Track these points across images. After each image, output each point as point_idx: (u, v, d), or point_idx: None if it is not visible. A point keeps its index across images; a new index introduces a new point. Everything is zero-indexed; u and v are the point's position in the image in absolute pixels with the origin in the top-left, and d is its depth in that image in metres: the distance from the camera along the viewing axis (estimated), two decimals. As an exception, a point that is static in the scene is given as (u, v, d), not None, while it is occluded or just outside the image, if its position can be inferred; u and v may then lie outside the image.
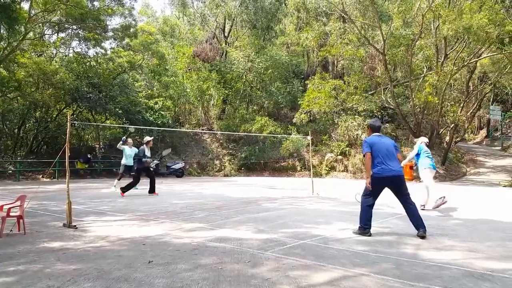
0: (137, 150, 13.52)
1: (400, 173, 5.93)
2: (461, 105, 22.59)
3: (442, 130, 23.94)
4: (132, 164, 13.80)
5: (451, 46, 20.86)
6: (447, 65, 20.42)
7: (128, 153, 13.83)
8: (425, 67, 23.20)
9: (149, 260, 4.52)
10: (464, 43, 19.74)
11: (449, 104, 22.62)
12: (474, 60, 20.27)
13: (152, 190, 12.24)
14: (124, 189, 11.79)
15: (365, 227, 5.95)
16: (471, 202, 10.98)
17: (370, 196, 6.00)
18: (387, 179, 5.85)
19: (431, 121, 22.29)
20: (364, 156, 6.06)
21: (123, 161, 13.89)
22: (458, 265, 4.39)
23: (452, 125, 22.28)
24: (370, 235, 5.88)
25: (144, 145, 12.31)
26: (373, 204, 6.02)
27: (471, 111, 24.57)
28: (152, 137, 13.29)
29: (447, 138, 23.09)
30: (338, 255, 4.78)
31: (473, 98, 25.96)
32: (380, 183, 5.90)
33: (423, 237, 5.72)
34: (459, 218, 7.76)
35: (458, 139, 25.13)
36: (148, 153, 12.30)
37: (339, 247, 5.19)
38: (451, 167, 23.11)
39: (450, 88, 22.98)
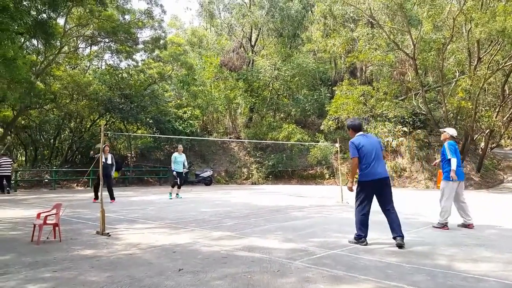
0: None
1: (386, 175, 5.86)
2: (497, 109, 21.83)
3: (476, 136, 23.19)
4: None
5: (485, 49, 20.24)
6: (481, 69, 19.82)
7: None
8: (457, 71, 22.59)
9: (179, 268, 4.57)
10: (499, 46, 19.13)
11: (483, 109, 21.94)
12: (510, 63, 19.59)
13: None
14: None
15: (360, 235, 5.83)
16: (508, 211, 10.56)
17: (363, 203, 5.86)
18: (372, 183, 5.75)
19: (465, 127, 21.63)
20: (351, 159, 5.89)
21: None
22: (497, 277, 4.22)
23: (487, 130, 21.56)
24: (366, 244, 5.76)
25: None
26: (368, 212, 5.87)
27: (507, 115, 23.68)
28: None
29: (482, 144, 22.34)
30: (370, 266, 4.68)
31: (510, 102, 25.03)
32: (367, 188, 5.79)
33: (401, 246, 5.56)
34: (496, 228, 7.47)
35: (493, 145, 24.28)
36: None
37: (370, 258, 5.09)
38: (486, 174, 22.34)
39: (484, 93, 22.29)
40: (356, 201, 5.97)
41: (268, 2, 28.79)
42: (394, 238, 5.68)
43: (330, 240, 6.21)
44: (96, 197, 12.22)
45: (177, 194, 14.14)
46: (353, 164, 5.83)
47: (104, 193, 12.03)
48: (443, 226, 7.23)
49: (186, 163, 14.37)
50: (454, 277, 4.23)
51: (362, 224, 5.82)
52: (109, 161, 12.32)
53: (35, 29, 15.11)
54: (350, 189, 5.90)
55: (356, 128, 6.11)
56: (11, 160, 17.73)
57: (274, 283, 3.99)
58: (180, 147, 14.44)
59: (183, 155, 14.16)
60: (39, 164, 22.88)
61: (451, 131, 7.58)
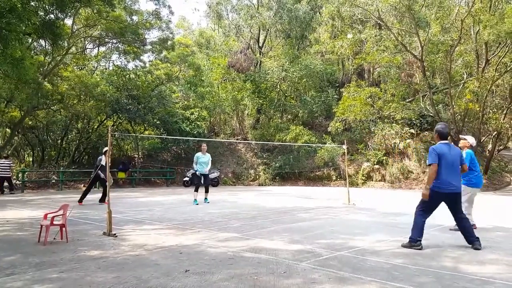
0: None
1: (459, 190, 5.80)
2: (504, 111, 21.67)
3: (484, 138, 23.03)
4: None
5: (493, 51, 20.11)
6: (489, 71, 19.69)
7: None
8: (465, 73, 22.45)
9: (186, 269, 4.57)
10: (507, 48, 19.00)
11: (491, 111, 21.79)
12: (518, 65, 19.45)
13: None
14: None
15: (416, 239, 5.74)
16: (517, 214, 10.46)
17: (426, 209, 5.85)
18: (445, 195, 5.71)
19: (473, 129, 21.49)
20: (429, 165, 5.78)
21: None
22: (504, 279, 4.19)
23: (495, 132, 21.41)
24: (421, 248, 5.66)
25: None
26: (426, 218, 5.89)
27: (515, 118, 23.54)
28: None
29: (490, 146, 22.19)
30: (376, 268, 4.67)
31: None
32: (437, 198, 5.75)
33: (478, 249, 5.61)
34: (502, 230, 7.41)
35: (501, 147, 24.08)
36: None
37: (377, 259, 5.07)
38: (494, 177, 22.14)
39: (492, 95, 22.14)
40: (420, 206, 5.94)
41: (276, 3, 28.76)
42: (472, 243, 5.73)
43: (336, 242, 6.20)
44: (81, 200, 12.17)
45: (205, 198, 12.84)
46: (431, 170, 5.70)
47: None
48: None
49: (209, 166, 12.85)
50: (460, 279, 4.20)
51: (421, 228, 5.80)
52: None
53: (42, 29, 15.24)
54: (425, 196, 5.72)
55: (443, 136, 6.02)
56: (10, 162, 17.96)
57: (280, 285, 3.99)
58: (204, 146, 12.98)
59: (208, 155, 12.77)
60: (46, 165, 23.03)
61: (472, 140, 7.62)
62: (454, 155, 5.83)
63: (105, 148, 12.25)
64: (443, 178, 5.67)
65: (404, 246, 5.81)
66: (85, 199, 12.21)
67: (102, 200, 12.13)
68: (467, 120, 21.71)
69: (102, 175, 11.93)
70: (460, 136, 8.39)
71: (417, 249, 5.64)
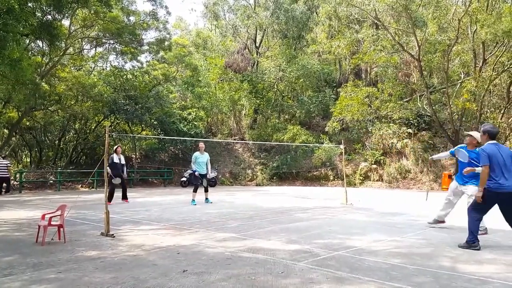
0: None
1: None
2: (502, 111, 21.72)
3: (481, 137, 23.05)
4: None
5: (490, 51, 20.15)
6: (486, 70, 19.73)
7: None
8: (462, 73, 22.49)
9: (183, 269, 4.57)
10: (504, 47, 19.05)
11: (488, 110, 21.83)
12: (516, 64, 19.51)
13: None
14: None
15: (474, 240, 5.71)
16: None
17: (481, 210, 5.79)
18: (503, 195, 5.59)
19: (470, 129, 21.50)
20: (482, 166, 5.67)
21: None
22: (502, 279, 4.20)
23: (492, 132, 21.46)
24: (479, 249, 5.63)
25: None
26: (481, 217, 5.87)
27: (512, 117, 23.60)
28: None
29: (487, 146, 22.24)
30: (374, 267, 4.67)
31: (515, 103, 24.91)
32: (491, 198, 5.66)
33: None
34: (501, 230, 7.43)
35: (499, 146, 24.14)
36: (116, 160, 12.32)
37: (374, 259, 5.08)
38: (492, 176, 22.19)
39: (490, 94, 22.18)
40: (473, 205, 5.88)
41: (272, 3, 28.78)
42: None
43: (334, 242, 6.20)
44: (124, 197, 12.67)
45: (206, 198, 12.76)
46: (484, 172, 5.60)
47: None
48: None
49: (209, 166, 12.84)
50: (458, 278, 4.21)
51: (477, 229, 5.78)
52: (123, 161, 12.70)
53: (40, 30, 15.20)
54: (479, 199, 5.62)
55: (492, 136, 5.90)
56: (7, 162, 17.90)
57: (278, 285, 3.99)
58: (202, 145, 12.73)
59: (206, 155, 12.64)
60: (44, 165, 22.96)
61: (478, 136, 7.34)
62: (506, 155, 5.72)
63: (116, 146, 12.67)
64: (495, 178, 5.60)
65: (461, 246, 5.78)
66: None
67: (110, 199, 11.92)
68: (464, 120, 21.77)
69: (110, 172, 11.88)
70: (465, 132, 8.27)
71: (475, 249, 5.61)
